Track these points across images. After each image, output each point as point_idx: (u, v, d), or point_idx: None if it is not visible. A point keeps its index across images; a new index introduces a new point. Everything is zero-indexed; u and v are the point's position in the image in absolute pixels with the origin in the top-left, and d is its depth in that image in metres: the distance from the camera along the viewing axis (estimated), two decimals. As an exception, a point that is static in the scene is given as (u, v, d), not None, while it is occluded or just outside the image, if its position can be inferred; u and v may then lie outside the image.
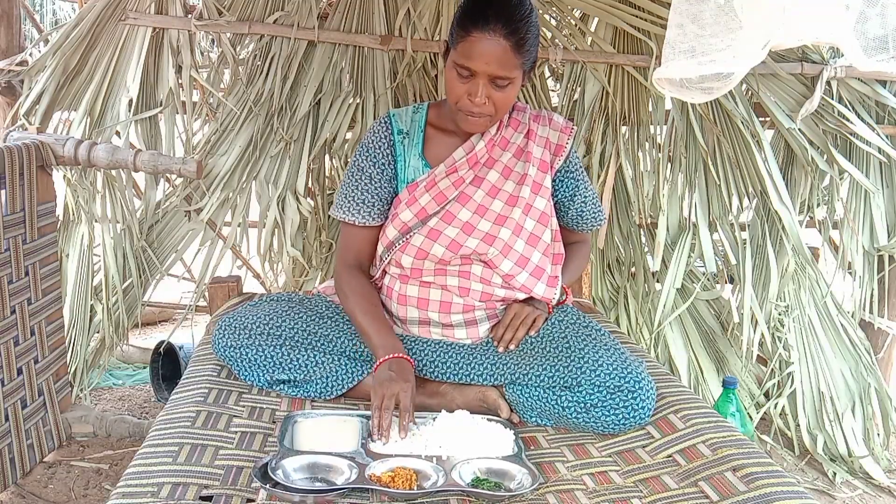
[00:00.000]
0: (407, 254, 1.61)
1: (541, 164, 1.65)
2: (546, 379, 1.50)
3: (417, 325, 1.66)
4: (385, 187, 1.67)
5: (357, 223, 1.68)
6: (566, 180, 1.72)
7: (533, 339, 1.60)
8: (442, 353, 1.62)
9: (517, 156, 1.65)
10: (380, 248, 1.68)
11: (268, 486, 1.18)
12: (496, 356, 1.60)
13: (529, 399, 1.52)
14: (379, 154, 1.67)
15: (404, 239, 1.62)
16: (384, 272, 1.70)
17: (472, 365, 1.59)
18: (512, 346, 1.59)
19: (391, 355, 1.47)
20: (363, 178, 1.67)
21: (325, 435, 1.37)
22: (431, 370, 1.60)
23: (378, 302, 1.66)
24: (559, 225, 1.76)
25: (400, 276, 1.66)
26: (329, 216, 2.52)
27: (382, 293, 1.71)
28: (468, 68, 1.46)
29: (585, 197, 1.75)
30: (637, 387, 1.43)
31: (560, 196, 1.73)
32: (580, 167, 1.75)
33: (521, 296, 1.65)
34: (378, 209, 1.68)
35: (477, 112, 1.51)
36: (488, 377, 1.57)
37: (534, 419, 1.54)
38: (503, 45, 1.43)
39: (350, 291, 1.63)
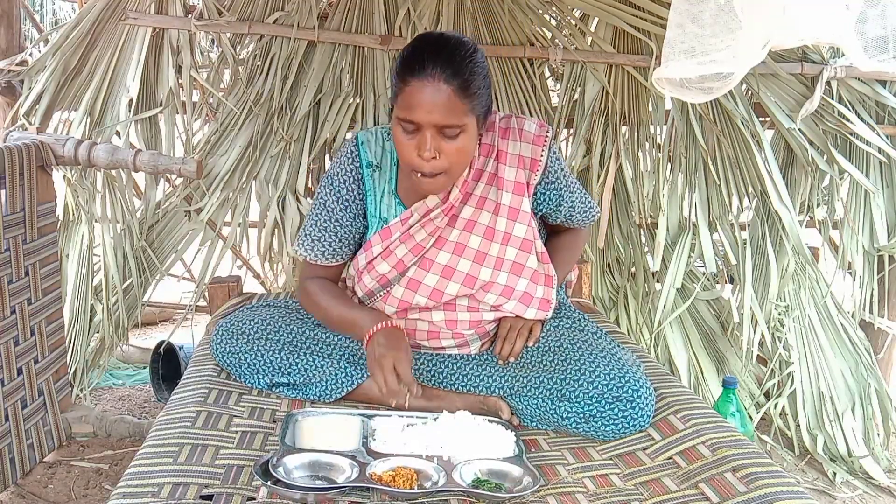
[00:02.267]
0: (389, 304, 1.57)
1: (515, 186, 1.54)
2: (544, 390, 1.49)
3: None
4: (349, 226, 1.59)
5: (314, 261, 1.62)
6: (548, 192, 1.61)
7: (530, 350, 1.58)
8: (439, 364, 1.61)
9: (489, 182, 1.54)
10: (360, 292, 1.61)
11: (269, 483, 1.17)
12: (493, 367, 1.59)
13: (528, 408, 1.51)
14: (345, 190, 1.57)
15: (384, 291, 1.58)
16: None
17: (469, 376, 1.59)
18: (512, 359, 1.57)
19: (377, 326, 1.43)
20: (325, 214, 1.58)
21: (327, 433, 1.37)
22: (428, 379, 1.60)
23: (347, 294, 1.62)
24: (551, 225, 1.73)
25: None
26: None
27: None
28: (411, 121, 1.34)
29: (572, 202, 1.66)
30: (635, 395, 1.42)
31: (545, 209, 1.64)
32: (561, 173, 1.61)
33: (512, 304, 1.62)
34: (343, 250, 1.61)
35: (428, 170, 1.37)
36: (485, 388, 1.57)
37: (534, 425, 1.53)
38: (445, 91, 1.32)
39: (317, 291, 1.59)
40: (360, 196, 1.57)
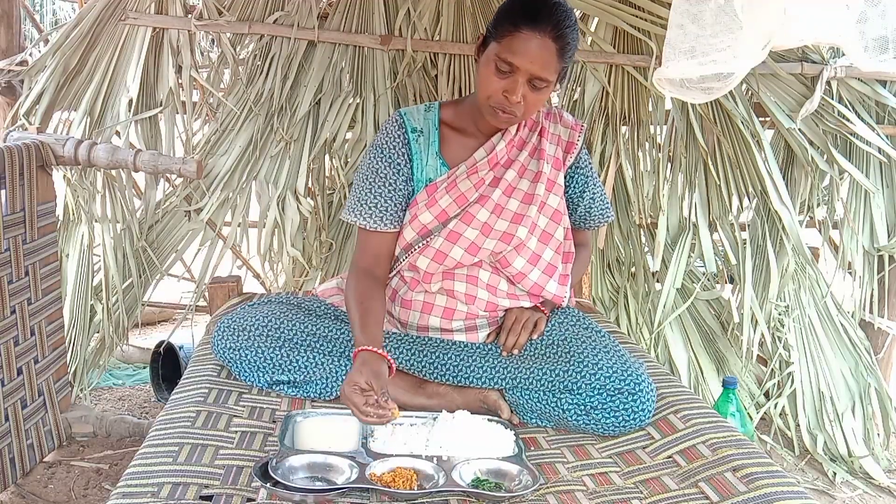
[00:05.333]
0: (425, 255, 1.59)
1: (554, 161, 1.65)
2: (546, 382, 1.49)
3: (416, 329, 1.66)
4: (401, 189, 1.61)
5: (369, 227, 1.61)
6: (577, 177, 1.71)
7: (533, 342, 1.60)
8: (442, 355, 1.62)
9: (532, 154, 1.64)
10: (396, 250, 1.63)
11: (268, 485, 1.17)
12: (496, 359, 1.59)
13: (529, 401, 1.52)
14: (394, 154, 1.62)
15: (423, 242, 1.59)
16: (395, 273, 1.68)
17: (472, 367, 1.59)
18: (516, 351, 1.58)
19: (362, 348, 1.40)
20: (378, 179, 1.61)
21: (326, 434, 1.37)
22: (431, 371, 1.60)
23: (376, 304, 1.58)
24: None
25: (411, 279, 1.64)
26: (329, 216, 2.52)
27: (387, 295, 1.68)
28: (511, 63, 1.43)
29: (594, 194, 1.74)
30: (637, 389, 1.43)
31: (571, 192, 1.72)
32: (590, 164, 1.74)
33: (526, 304, 1.65)
34: (393, 213, 1.61)
35: (509, 110, 1.47)
36: (488, 380, 1.57)
37: (534, 421, 1.53)
38: (550, 47, 1.42)
39: (351, 293, 1.57)
40: (408, 159, 1.63)
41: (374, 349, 1.38)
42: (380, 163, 1.62)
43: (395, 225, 1.62)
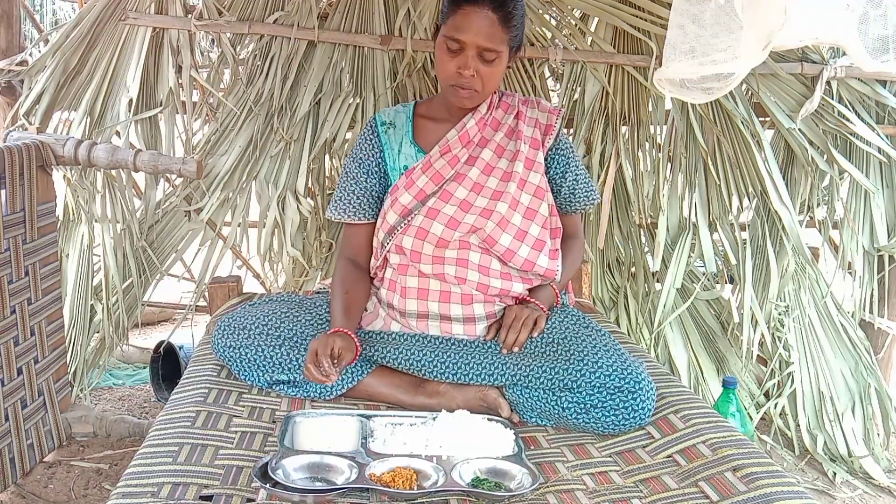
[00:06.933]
0: (408, 235, 1.64)
1: (532, 141, 1.71)
2: (546, 380, 1.50)
3: (416, 318, 1.67)
4: (372, 184, 1.74)
5: (346, 221, 1.76)
6: (557, 157, 1.75)
7: (534, 340, 1.60)
8: (441, 353, 1.62)
9: (508, 135, 1.71)
10: (381, 235, 1.71)
11: (268, 485, 1.17)
12: (496, 356, 1.60)
13: (529, 400, 1.52)
14: (364, 154, 1.76)
15: (405, 222, 1.66)
16: (385, 263, 1.71)
17: (472, 364, 1.59)
18: (516, 349, 1.58)
19: (340, 329, 1.53)
20: (349, 179, 1.76)
21: (325, 435, 1.37)
22: (430, 369, 1.60)
23: (360, 290, 1.71)
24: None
25: (399, 265, 1.68)
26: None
27: (384, 286, 1.72)
28: (458, 40, 1.54)
29: (577, 174, 1.78)
30: (637, 387, 1.43)
31: (552, 173, 1.76)
32: (571, 147, 1.78)
33: (519, 287, 1.66)
34: (366, 206, 1.74)
35: (466, 85, 1.58)
36: (487, 377, 1.57)
37: (534, 419, 1.54)
38: (491, 18, 1.52)
39: (337, 280, 1.70)
40: (377, 153, 1.75)
41: (349, 332, 1.52)
42: (351, 164, 1.78)
43: (370, 217, 1.75)
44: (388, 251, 1.69)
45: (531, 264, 1.64)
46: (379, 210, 1.75)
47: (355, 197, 1.75)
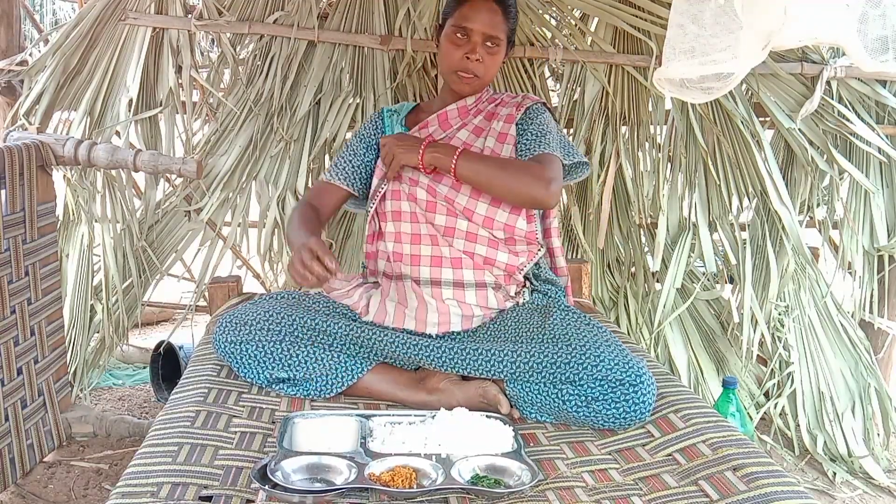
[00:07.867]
0: (392, 199, 1.76)
1: (507, 117, 1.82)
2: (547, 374, 1.50)
3: (410, 280, 1.73)
4: (369, 159, 1.88)
5: (324, 178, 1.89)
6: (526, 120, 1.80)
7: (534, 334, 1.60)
8: (443, 347, 1.62)
9: (488, 118, 1.84)
10: (372, 205, 1.80)
11: (267, 487, 1.17)
12: (495, 346, 1.60)
13: (530, 393, 1.52)
14: (366, 131, 1.91)
15: (384, 184, 1.78)
16: (379, 236, 1.80)
17: (473, 357, 1.59)
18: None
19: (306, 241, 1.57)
20: (349, 151, 1.91)
21: (324, 435, 1.37)
22: (429, 364, 1.60)
23: (316, 225, 1.78)
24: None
25: (396, 233, 1.75)
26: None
27: (378, 257, 1.82)
28: (465, 28, 1.72)
29: (544, 130, 1.79)
30: (639, 381, 1.44)
31: (520, 136, 1.80)
32: (549, 121, 1.82)
33: (504, 257, 1.72)
34: (354, 174, 1.87)
35: (471, 70, 1.73)
36: (487, 365, 1.57)
37: (534, 415, 1.54)
38: (494, 9, 1.73)
39: (296, 215, 1.79)
40: (378, 132, 1.90)
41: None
42: (353, 138, 1.93)
43: (352, 185, 1.87)
44: (385, 219, 1.77)
45: (511, 228, 1.72)
46: (366, 187, 1.87)
47: (348, 164, 1.88)
